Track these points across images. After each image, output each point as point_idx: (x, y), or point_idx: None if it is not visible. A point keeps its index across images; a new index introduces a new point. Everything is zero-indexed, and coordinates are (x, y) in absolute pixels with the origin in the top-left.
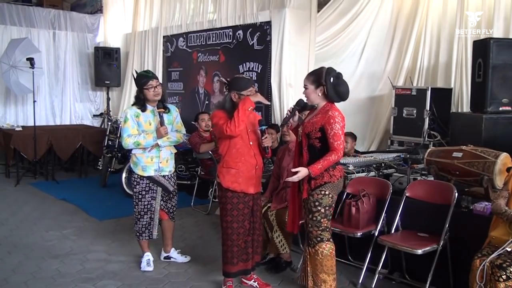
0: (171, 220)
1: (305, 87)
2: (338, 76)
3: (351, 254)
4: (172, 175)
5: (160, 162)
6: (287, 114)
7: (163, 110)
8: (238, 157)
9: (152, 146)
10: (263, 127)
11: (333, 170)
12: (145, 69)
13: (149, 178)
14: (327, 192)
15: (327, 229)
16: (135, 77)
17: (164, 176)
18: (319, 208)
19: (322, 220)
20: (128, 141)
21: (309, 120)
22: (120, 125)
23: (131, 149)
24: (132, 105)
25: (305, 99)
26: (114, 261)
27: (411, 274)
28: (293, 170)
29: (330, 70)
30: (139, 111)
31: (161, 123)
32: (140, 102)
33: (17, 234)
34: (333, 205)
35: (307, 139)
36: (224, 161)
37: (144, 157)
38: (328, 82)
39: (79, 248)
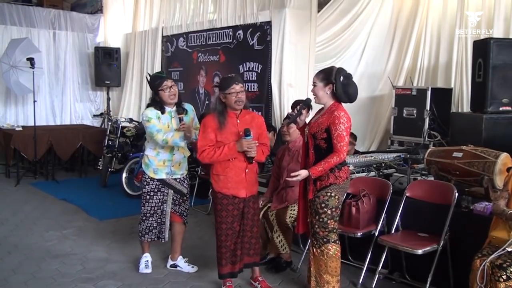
0: (184, 224)
1: (314, 84)
2: (348, 76)
3: (351, 254)
4: (185, 177)
5: (173, 166)
6: (293, 112)
7: (183, 115)
8: (226, 163)
9: (167, 146)
10: (248, 137)
11: (338, 172)
12: (146, 69)
13: (160, 180)
14: (333, 194)
15: (334, 230)
16: (148, 79)
17: (175, 179)
18: (326, 209)
19: (328, 222)
20: (158, 137)
21: (316, 120)
22: (145, 125)
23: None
24: (148, 106)
25: (312, 98)
26: (114, 261)
27: (411, 274)
28: (293, 174)
29: (341, 70)
30: (159, 112)
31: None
32: (157, 104)
33: (17, 234)
34: (340, 206)
35: (313, 140)
36: (213, 167)
37: (156, 160)
38: (337, 81)
39: (79, 248)
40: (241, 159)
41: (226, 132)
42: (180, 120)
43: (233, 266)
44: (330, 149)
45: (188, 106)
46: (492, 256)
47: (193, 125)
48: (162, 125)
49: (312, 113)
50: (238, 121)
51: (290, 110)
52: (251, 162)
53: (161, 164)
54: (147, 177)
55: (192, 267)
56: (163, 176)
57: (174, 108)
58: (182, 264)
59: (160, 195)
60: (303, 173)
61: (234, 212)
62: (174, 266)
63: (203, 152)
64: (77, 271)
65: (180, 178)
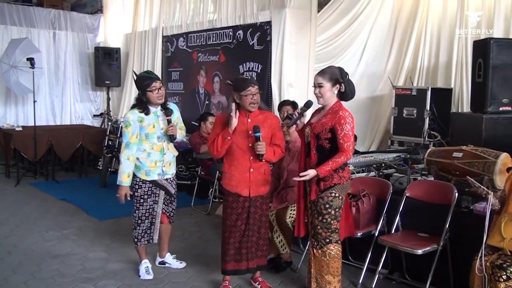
0: (171, 224)
1: (320, 85)
2: (347, 75)
3: (351, 254)
4: (174, 178)
5: (164, 166)
6: (294, 114)
7: (171, 117)
8: (232, 161)
9: (156, 146)
10: (257, 134)
11: (342, 172)
12: (145, 69)
13: (153, 182)
14: (337, 194)
15: (336, 231)
16: (135, 78)
17: (166, 179)
18: (330, 210)
19: (332, 222)
20: (123, 151)
21: (319, 120)
22: (121, 127)
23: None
24: (132, 107)
25: (313, 98)
26: (114, 261)
27: (411, 274)
28: (302, 174)
29: (342, 69)
30: (142, 115)
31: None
32: (143, 105)
33: (17, 234)
34: (342, 206)
35: (316, 140)
36: (223, 165)
37: (148, 161)
38: (345, 80)
39: (79, 248)
40: (245, 158)
41: (235, 131)
42: (169, 122)
43: (237, 264)
44: (334, 149)
45: (172, 106)
46: (480, 254)
47: (179, 124)
48: (147, 126)
49: (309, 113)
50: (249, 120)
51: (290, 111)
52: (261, 159)
53: (153, 165)
54: (138, 180)
55: (181, 263)
56: (155, 177)
57: (159, 108)
58: (171, 260)
59: (153, 197)
60: (312, 172)
61: (239, 210)
62: (163, 263)
63: (210, 146)
64: (77, 271)
65: (170, 178)
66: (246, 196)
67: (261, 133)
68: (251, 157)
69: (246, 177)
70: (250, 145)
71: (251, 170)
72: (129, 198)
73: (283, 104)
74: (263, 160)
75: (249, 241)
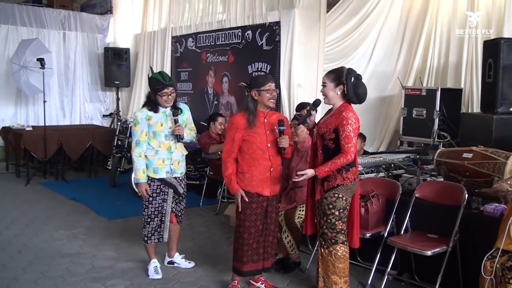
0: (179, 224)
1: (324, 84)
2: (358, 77)
3: (360, 255)
4: (183, 177)
5: (172, 164)
6: (301, 113)
7: (178, 116)
8: (251, 162)
9: (164, 145)
10: (282, 128)
11: (346, 173)
12: (154, 69)
13: (161, 180)
14: (340, 195)
15: (342, 232)
16: (149, 76)
17: (175, 178)
18: (333, 211)
19: (336, 223)
20: (134, 149)
21: (324, 120)
22: (130, 126)
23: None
24: (143, 106)
25: (321, 98)
26: (123, 260)
27: (420, 276)
28: (299, 173)
29: (351, 70)
30: (151, 113)
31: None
32: (151, 104)
33: (27, 233)
34: (348, 207)
35: (322, 140)
36: (238, 165)
37: (156, 159)
38: (348, 82)
39: (88, 247)
40: (266, 158)
41: (254, 131)
42: (176, 121)
43: (255, 264)
44: (338, 149)
45: (183, 106)
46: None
47: (188, 125)
48: (155, 124)
49: (321, 113)
50: (265, 120)
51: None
52: (283, 153)
53: (160, 162)
54: (147, 178)
55: (189, 262)
56: (163, 175)
57: (169, 108)
58: (179, 260)
59: (162, 195)
60: (309, 172)
61: (258, 210)
62: (171, 263)
63: (226, 160)
64: (87, 270)
65: (179, 178)
66: (265, 196)
67: (285, 127)
68: (271, 156)
69: (267, 176)
70: (268, 144)
71: (271, 169)
72: (149, 193)
73: (302, 106)
74: (284, 153)
75: (266, 241)
